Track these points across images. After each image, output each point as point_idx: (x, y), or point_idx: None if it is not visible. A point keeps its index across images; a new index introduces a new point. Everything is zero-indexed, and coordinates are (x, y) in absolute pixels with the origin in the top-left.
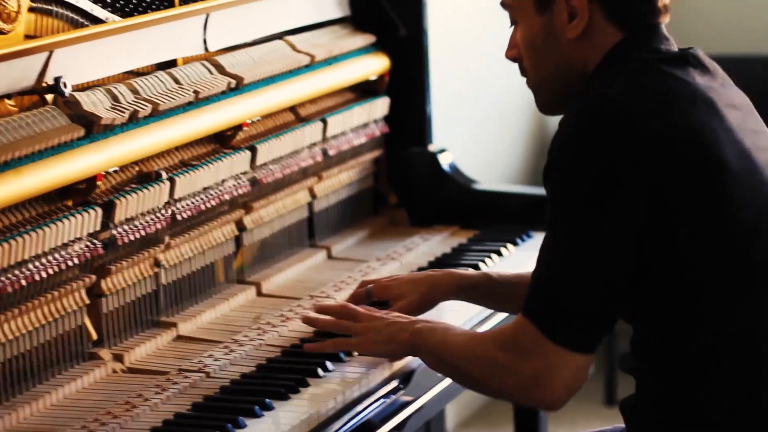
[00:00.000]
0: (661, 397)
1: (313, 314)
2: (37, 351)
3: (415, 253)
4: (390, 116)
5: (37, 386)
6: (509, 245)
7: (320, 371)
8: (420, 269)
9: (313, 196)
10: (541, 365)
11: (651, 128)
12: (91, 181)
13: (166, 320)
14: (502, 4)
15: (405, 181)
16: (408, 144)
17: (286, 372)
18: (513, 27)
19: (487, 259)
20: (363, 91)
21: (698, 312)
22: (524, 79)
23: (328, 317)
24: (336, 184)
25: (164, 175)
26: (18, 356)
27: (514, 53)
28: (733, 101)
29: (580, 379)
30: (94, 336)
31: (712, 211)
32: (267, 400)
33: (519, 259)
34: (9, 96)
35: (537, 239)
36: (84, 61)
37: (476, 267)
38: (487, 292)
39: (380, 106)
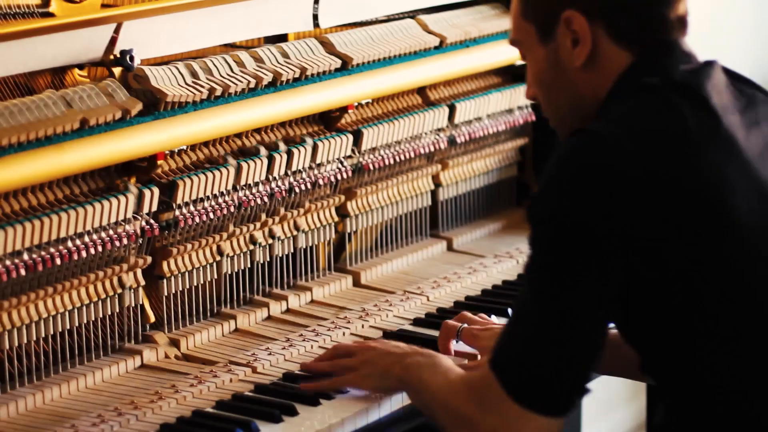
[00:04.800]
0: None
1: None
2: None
3: None
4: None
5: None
6: None
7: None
8: None
9: (437, 184)
10: (500, 423)
11: (641, 178)
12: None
13: None
14: (511, 42)
15: None
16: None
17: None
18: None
19: None
20: (513, 75)
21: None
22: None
23: (323, 363)
24: (467, 173)
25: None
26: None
27: (531, 93)
28: (758, 118)
29: None
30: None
31: (717, 268)
32: (292, 404)
33: None
34: (81, 66)
35: None
36: (161, 34)
37: None
38: None
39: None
